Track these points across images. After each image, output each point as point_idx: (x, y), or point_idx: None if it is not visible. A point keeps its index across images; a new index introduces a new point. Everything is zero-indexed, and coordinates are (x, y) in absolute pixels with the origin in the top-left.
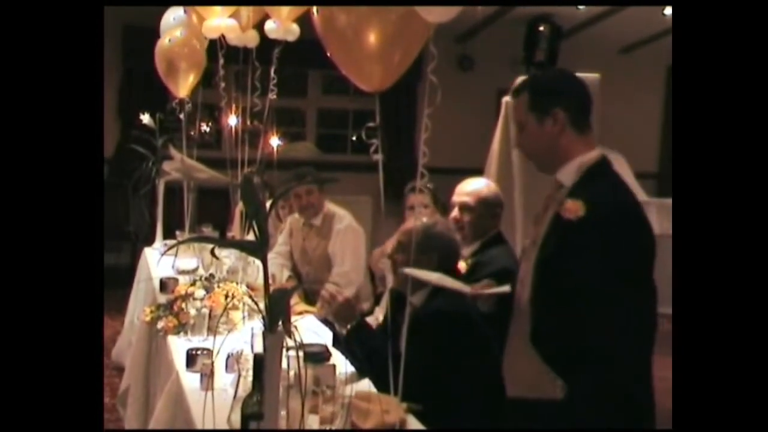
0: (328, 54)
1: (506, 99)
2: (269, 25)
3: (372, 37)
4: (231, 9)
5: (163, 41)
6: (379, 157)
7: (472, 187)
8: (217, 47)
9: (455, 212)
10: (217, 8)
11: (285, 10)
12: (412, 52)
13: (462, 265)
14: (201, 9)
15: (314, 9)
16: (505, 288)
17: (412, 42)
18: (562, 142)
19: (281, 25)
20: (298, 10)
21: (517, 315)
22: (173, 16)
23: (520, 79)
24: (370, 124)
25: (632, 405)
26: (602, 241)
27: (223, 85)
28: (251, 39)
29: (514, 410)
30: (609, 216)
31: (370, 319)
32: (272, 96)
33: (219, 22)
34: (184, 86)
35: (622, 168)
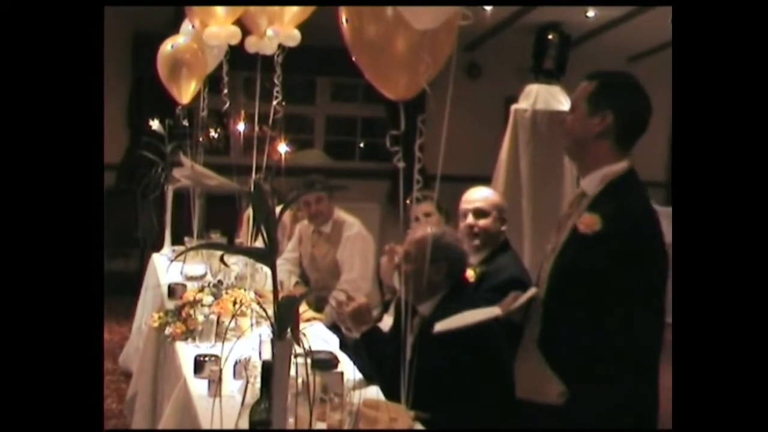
0: (354, 60)
1: (515, 107)
2: (269, 32)
3: (399, 46)
4: (234, 16)
5: (165, 47)
6: (401, 165)
7: (483, 194)
8: (235, 53)
9: (470, 218)
10: (220, 15)
11: (288, 15)
12: (439, 61)
13: (470, 273)
14: (203, 16)
15: (343, 19)
16: (533, 290)
17: (439, 51)
18: (598, 145)
19: (280, 30)
20: (300, 16)
21: (532, 317)
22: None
23: (531, 86)
24: (394, 132)
25: (631, 417)
26: (615, 258)
27: (225, 91)
28: (269, 46)
29: (521, 411)
30: (623, 234)
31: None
32: (275, 102)
33: (220, 29)
34: (186, 92)
35: None
